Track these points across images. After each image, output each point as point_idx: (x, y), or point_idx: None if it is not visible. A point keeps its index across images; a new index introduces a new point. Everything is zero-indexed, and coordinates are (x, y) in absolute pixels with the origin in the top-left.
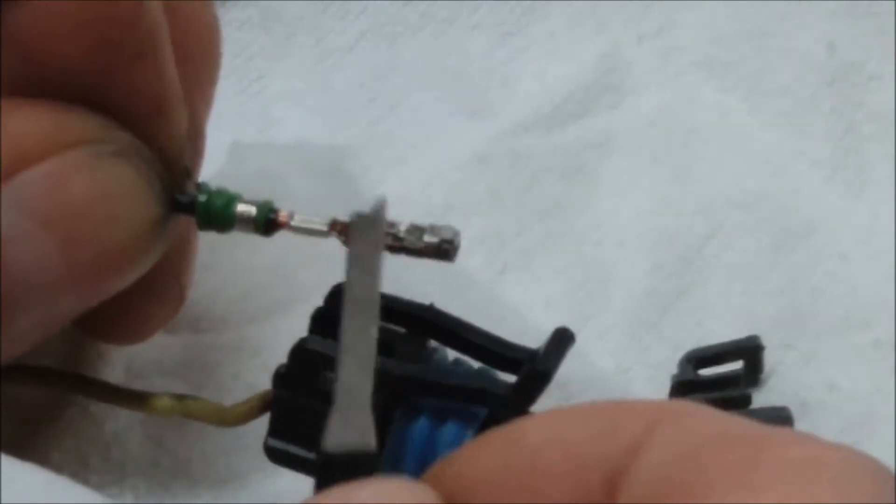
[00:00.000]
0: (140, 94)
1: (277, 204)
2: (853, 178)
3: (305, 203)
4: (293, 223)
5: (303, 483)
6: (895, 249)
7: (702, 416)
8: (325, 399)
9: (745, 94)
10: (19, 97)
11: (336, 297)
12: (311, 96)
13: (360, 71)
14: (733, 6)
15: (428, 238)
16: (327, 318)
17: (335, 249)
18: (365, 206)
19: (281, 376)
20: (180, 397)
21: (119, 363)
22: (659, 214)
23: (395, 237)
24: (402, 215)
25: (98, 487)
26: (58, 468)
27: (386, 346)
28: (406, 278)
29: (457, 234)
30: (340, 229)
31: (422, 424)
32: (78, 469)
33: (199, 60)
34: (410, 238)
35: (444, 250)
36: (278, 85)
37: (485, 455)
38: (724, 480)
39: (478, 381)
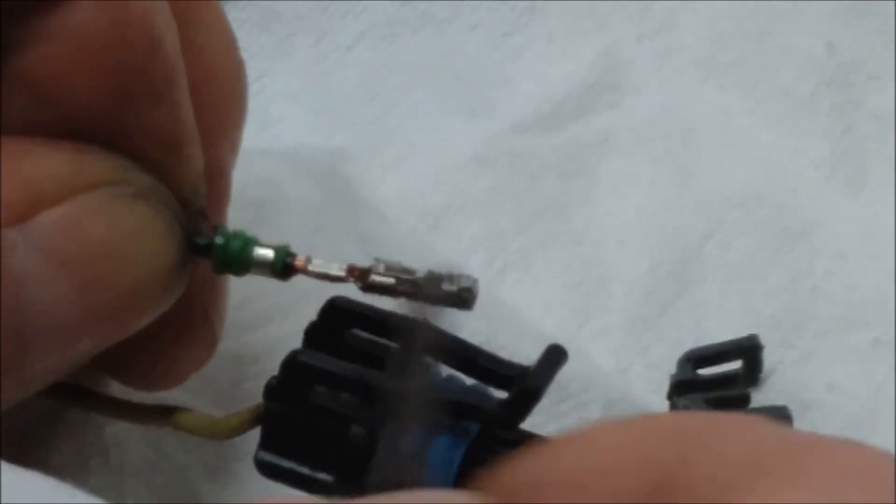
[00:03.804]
0: (155, 134)
1: (275, 210)
2: (853, 177)
3: (303, 207)
4: (310, 268)
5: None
6: (895, 249)
7: (766, 424)
8: (317, 413)
9: (745, 94)
10: (34, 139)
11: (329, 311)
12: (311, 96)
13: (360, 71)
14: (733, 6)
15: (447, 287)
16: (320, 333)
17: (328, 255)
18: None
19: (272, 389)
20: (171, 410)
21: None
22: (658, 214)
23: (414, 285)
24: (401, 216)
25: (98, 491)
26: (58, 471)
27: (378, 361)
28: None
29: (475, 282)
30: (358, 275)
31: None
32: (78, 472)
33: (224, 103)
34: (429, 286)
35: (463, 298)
36: (278, 85)
37: (547, 458)
38: (772, 477)
39: (469, 397)
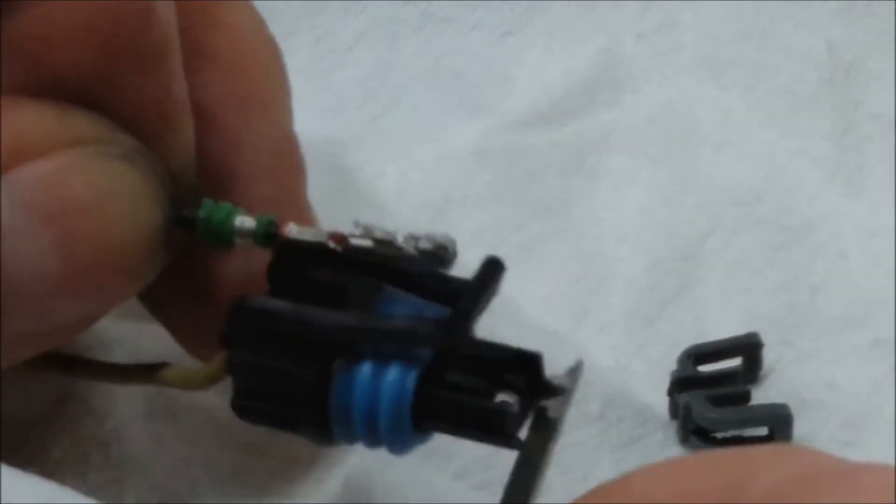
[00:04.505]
0: (143, 103)
1: None
2: (853, 176)
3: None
4: (292, 235)
5: (307, 481)
6: (895, 249)
7: (803, 453)
8: (276, 353)
9: (745, 93)
10: (21, 96)
11: (283, 249)
12: (311, 95)
13: (360, 70)
14: (733, 5)
15: (423, 245)
16: (280, 271)
17: None
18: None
19: (225, 337)
20: (153, 366)
21: (120, 357)
22: (658, 211)
23: (393, 246)
24: (401, 208)
25: (98, 487)
26: (58, 466)
27: (338, 291)
28: None
29: (452, 242)
30: (339, 240)
31: (364, 371)
32: (78, 467)
33: (272, 74)
34: (407, 246)
35: (439, 257)
36: None
37: None
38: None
39: (406, 322)
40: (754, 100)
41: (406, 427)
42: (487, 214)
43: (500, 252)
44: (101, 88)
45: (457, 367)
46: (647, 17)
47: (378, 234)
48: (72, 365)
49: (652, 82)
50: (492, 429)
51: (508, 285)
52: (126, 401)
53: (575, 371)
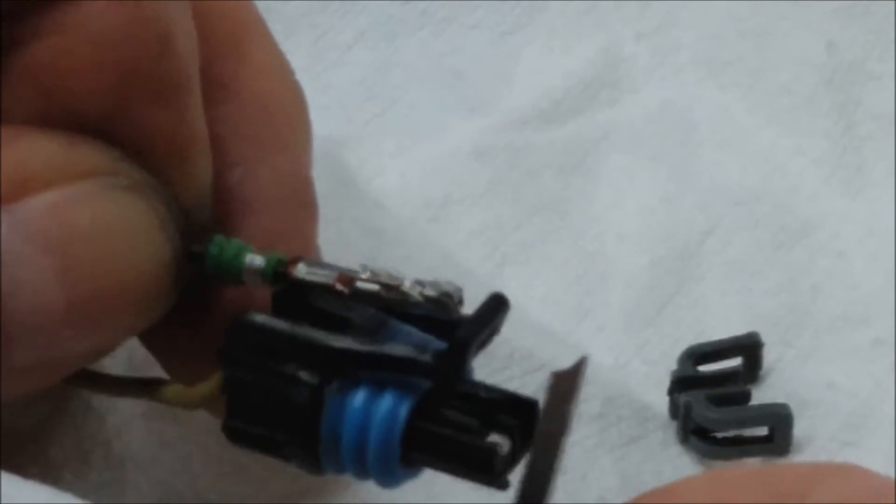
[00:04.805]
0: (158, 136)
1: None
2: (852, 176)
3: None
4: (301, 275)
5: (310, 479)
6: (894, 248)
7: (860, 472)
8: (271, 372)
9: (745, 93)
10: (31, 126)
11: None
12: (310, 95)
13: (359, 70)
14: (733, 5)
15: (428, 293)
16: (286, 296)
17: (331, 246)
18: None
19: (224, 354)
20: (152, 382)
21: (120, 355)
22: (658, 210)
23: (399, 291)
24: (401, 207)
25: (99, 486)
26: (59, 465)
27: (342, 319)
28: (405, 272)
29: (458, 290)
30: (346, 283)
31: (358, 397)
32: (79, 466)
33: (295, 114)
34: (412, 292)
35: (444, 303)
36: None
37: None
38: None
39: (404, 351)
40: (754, 100)
41: (394, 457)
42: (487, 213)
43: (499, 250)
44: (115, 119)
45: (453, 402)
46: (646, 16)
47: (384, 279)
48: (71, 376)
49: (651, 82)
50: (479, 468)
51: (508, 284)
52: (126, 399)
53: (578, 369)
